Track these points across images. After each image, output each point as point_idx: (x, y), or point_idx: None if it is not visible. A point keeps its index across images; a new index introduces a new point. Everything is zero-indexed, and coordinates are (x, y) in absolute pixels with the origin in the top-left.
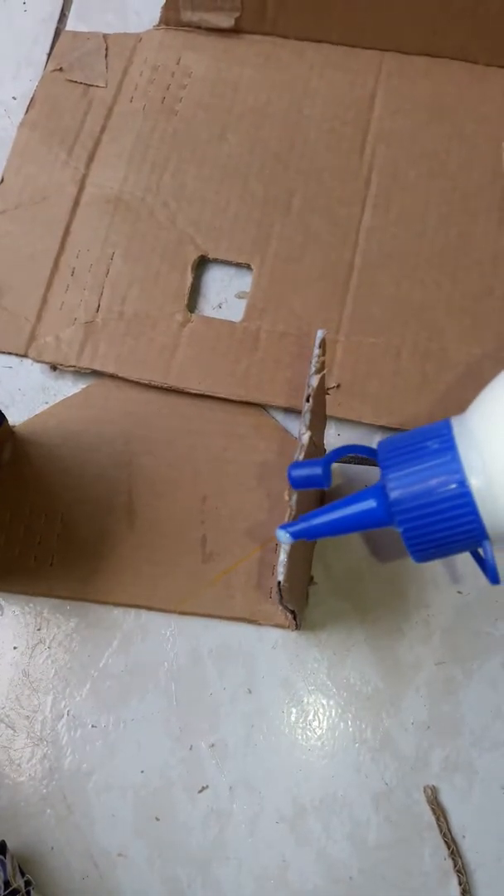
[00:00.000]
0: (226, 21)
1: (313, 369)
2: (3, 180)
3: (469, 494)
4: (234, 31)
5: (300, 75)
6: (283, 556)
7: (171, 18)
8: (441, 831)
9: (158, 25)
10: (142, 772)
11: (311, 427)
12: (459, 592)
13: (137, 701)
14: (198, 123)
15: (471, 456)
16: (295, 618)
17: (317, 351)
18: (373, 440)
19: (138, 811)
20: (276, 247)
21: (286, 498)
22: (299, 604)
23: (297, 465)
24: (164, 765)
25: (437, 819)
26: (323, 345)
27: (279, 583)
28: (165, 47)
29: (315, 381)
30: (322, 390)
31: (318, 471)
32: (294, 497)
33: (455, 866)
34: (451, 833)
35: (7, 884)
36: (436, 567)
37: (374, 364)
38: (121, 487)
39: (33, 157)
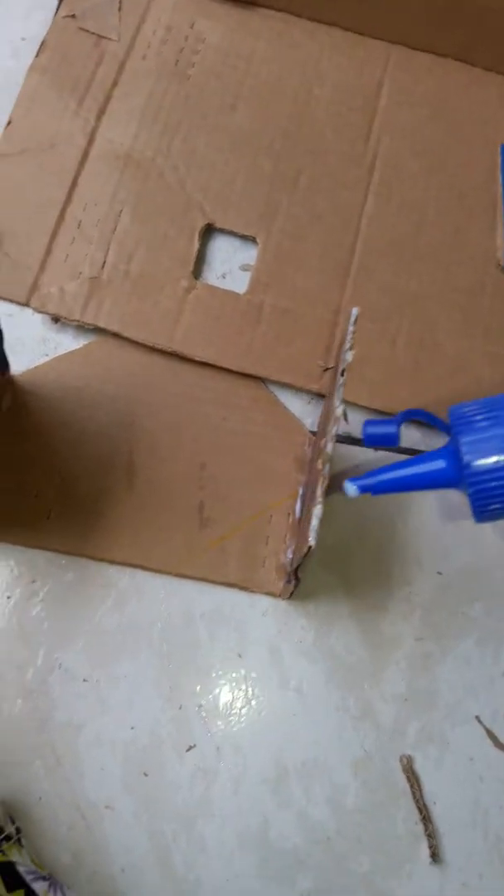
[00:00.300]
0: None
1: (348, 346)
2: (10, 122)
3: None
4: (249, 2)
5: (311, 55)
6: (315, 522)
7: None
8: (414, 798)
9: None
10: (132, 728)
11: (342, 402)
12: (440, 573)
13: (130, 658)
14: (210, 91)
15: None
16: (296, 584)
17: (352, 328)
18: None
19: (127, 766)
20: (282, 223)
21: (319, 467)
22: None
23: (371, 422)
24: (153, 722)
25: (412, 786)
26: (356, 322)
27: (310, 547)
28: (180, 10)
29: (350, 356)
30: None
31: (392, 429)
32: (328, 467)
33: (426, 830)
34: (423, 800)
35: (0, 829)
36: (419, 547)
37: (371, 349)
38: (122, 447)
39: (43, 103)
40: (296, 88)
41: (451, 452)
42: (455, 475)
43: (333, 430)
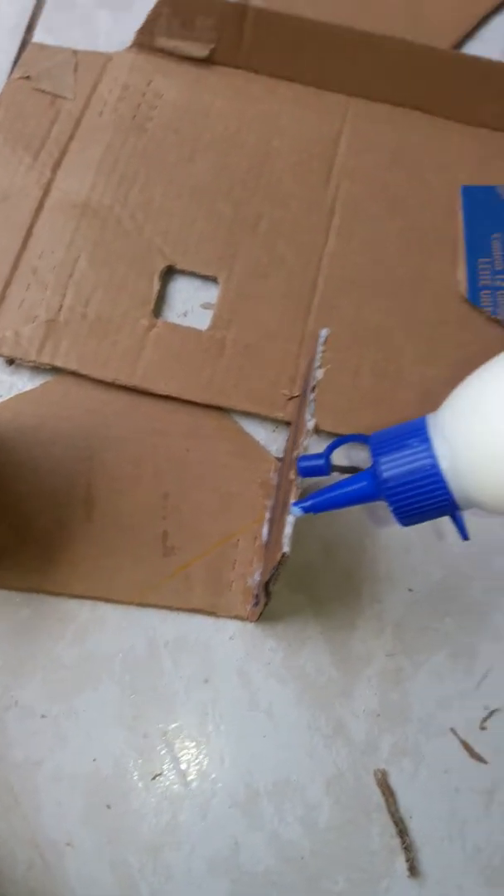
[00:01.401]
0: (200, 51)
1: (318, 363)
2: None
3: (440, 475)
4: (207, 61)
5: (270, 110)
6: (288, 530)
7: (144, 42)
8: (390, 812)
9: (130, 48)
10: (94, 760)
11: (312, 416)
12: (410, 590)
13: (91, 691)
14: (168, 144)
15: (441, 445)
16: (267, 601)
17: (321, 348)
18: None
19: (89, 799)
20: (243, 264)
21: (291, 478)
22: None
23: (303, 457)
24: (117, 753)
25: (387, 801)
26: (326, 342)
27: (283, 554)
28: (137, 69)
29: (320, 373)
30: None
31: (320, 462)
32: (300, 479)
33: (403, 844)
34: (399, 814)
35: None
36: (389, 564)
37: (334, 378)
38: (79, 481)
39: None
40: (255, 141)
41: (372, 472)
42: (377, 490)
43: (304, 442)
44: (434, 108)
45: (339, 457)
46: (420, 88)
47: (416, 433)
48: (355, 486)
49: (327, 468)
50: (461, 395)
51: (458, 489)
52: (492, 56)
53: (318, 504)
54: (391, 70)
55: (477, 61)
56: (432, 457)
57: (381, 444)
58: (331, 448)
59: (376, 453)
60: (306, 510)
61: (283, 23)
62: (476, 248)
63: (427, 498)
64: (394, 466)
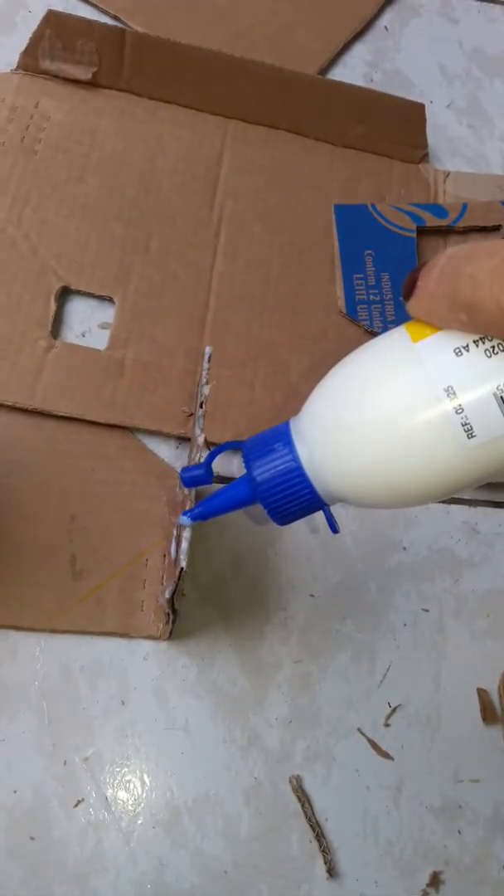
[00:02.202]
0: (83, 74)
1: (204, 380)
2: None
3: (304, 475)
4: (91, 84)
5: (153, 131)
6: (185, 545)
7: (29, 65)
8: (306, 816)
9: (16, 70)
10: (14, 792)
11: (202, 430)
12: (312, 595)
13: (7, 721)
14: (57, 164)
15: (301, 448)
16: (173, 618)
17: (206, 365)
18: (231, 461)
19: (11, 832)
20: (137, 283)
21: (184, 492)
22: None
23: (186, 469)
24: (37, 782)
25: (303, 806)
26: (210, 359)
27: (181, 569)
28: (23, 91)
29: (207, 390)
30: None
31: (200, 471)
32: (192, 491)
33: (320, 847)
34: (315, 817)
35: None
36: (291, 572)
37: (231, 393)
38: None
39: None
40: (140, 161)
41: (247, 478)
42: (252, 494)
43: (196, 455)
44: (305, 130)
45: (241, 469)
46: (291, 111)
47: (280, 437)
48: (234, 492)
49: (209, 477)
50: (313, 398)
51: (320, 486)
52: (355, 81)
53: (203, 512)
54: (264, 94)
55: (341, 86)
56: (295, 459)
57: (251, 450)
58: (211, 457)
59: (248, 459)
60: (194, 518)
61: (160, 47)
62: (351, 265)
63: (295, 497)
64: (263, 471)
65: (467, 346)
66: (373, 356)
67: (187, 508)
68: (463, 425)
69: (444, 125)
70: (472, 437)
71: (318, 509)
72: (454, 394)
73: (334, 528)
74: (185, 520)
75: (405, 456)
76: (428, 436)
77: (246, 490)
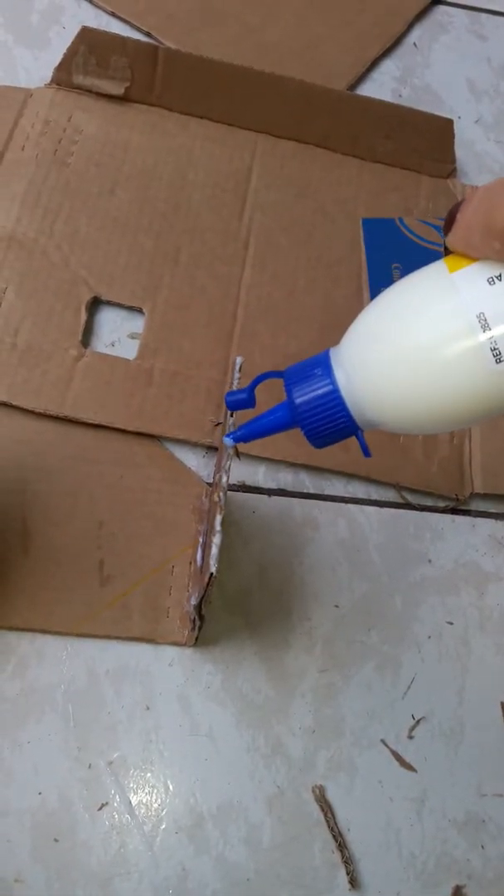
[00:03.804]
0: (116, 89)
1: (235, 389)
2: None
3: (340, 399)
4: (124, 98)
5: (184, 145)
6: (214, 550)
7: (62, 79)
8: (329, 826)
9: (50, 84)
10: (39, 794)
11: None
12: (337, 606)
13: (34, 723)
14: (90, 177)
15: (339, 374)
16: (201, 625)
17: (237, 374)
18: (257, 470)
19: (36, 834)
20: (167, 295)
21: (216, 500)
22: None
23: (230, 392)
24: (62, 785)
25: (325, 815)
26: (241, 369)
27: (211, 575)
28: (57, 105)
29: (231, 441)
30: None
31: (244, 395)
32: (224, 498)
33: (342, 858)
34: (337, 827)
35: None
36: (316, 583)
37: (258, 405)
38: (14, 514)
39: None
40: (171, 174)
41: (288, 403)
42: (292, 417)
43: (227, 464)
44: (334, 145)
45: (267, 479)
46: (320, 126)
47: (319, 364)
48: (274, 416)
49: (252, 401)
50: (353, 327)
51: (356, 411)
52: (383, 97)
53: (245, 434)
54: (294, 109)
55: (370, 101)
56: (333, 384)
57: (292, 375)
58: (255, 382)
59: (288, 384)
60: (236, 439)
61: (192, 63)
62: (378, 277)
63: (331, 421)
64: (302, 395)
65: (500, 275)
66: (411, 287)
67: (229, 432)
68: (492, 349)
69: (471, 140)
70: (501, 361)
71: (352, 434)
72: (485, 320)
73: (367, 451)
74: (228, 441)
75: (436, 380)
76: (458, 361)
77: (286, 414)
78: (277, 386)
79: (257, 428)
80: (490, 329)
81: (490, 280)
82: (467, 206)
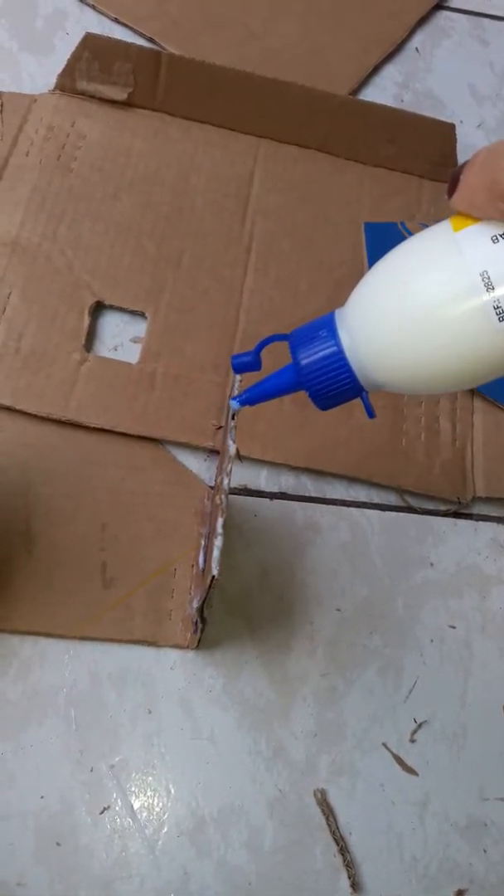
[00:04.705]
0: (119, 94)
1: (236, 392)
2: None
3: (344, 360)
4: (126, 104)
5: (186, 150)
6: (216, 553)
7: (66, 85)
8: (330, 830)
9: (54, 90)
10: (42, 797)
11: (234, 441)
12: (338, 610)
13: (36, 727)
14: (93, 183)
15: (344, 335)
16: (202, 628)
17: (238, 377)
18: (259, 473)
19: (39, 837)
20: (169, 298)
21: (217, 502)
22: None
23: (236, 356)
24: (64, 788)
25: (327, 819)
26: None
27: (213, 577)
28: (60, 111)
29: (237, 403)
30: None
31: (249, 358)
32: (226, 500)
33: (344, 861)
34: (339, 831)
35: None
36: (317, 586)
37: (259, 407)
38: (18, 516)
39: None
40: (174, 179)
41: (293, 365)
42: (297, 379)
43: (229, 466)
44: (336, 150)
45: (268, 482)
46: (322, 131)
47: (324, 326)
48: (280, 378)
49: (257, 364)
50: (358, 288)
51: (360, 372)
52: (385, 102)
53: (250, 396)
54: (296, 114)
55: (372, 106)
56: (338, 345)
57: (297, 337)
58: (261, 345)
59: (293, 346)
60: (242, 402)
61: (195, 68)
62: None
63: (336, 382)
64: (307, 356)
65: None
66: (416, 247)
67: (235, 395)
68: (495, 308)
69: (474, 145)
70: (503, 320)
71: (357, 395)
72: (488, 278)
73: (371, 412)
74: (234, 404)
75: (439, 340)
76: (462, 319)
77: (291, 376)
78: (283, 350)
79: (263, 390)
80: (494, 288)
81: (494, 238)
82: (471, 167)
